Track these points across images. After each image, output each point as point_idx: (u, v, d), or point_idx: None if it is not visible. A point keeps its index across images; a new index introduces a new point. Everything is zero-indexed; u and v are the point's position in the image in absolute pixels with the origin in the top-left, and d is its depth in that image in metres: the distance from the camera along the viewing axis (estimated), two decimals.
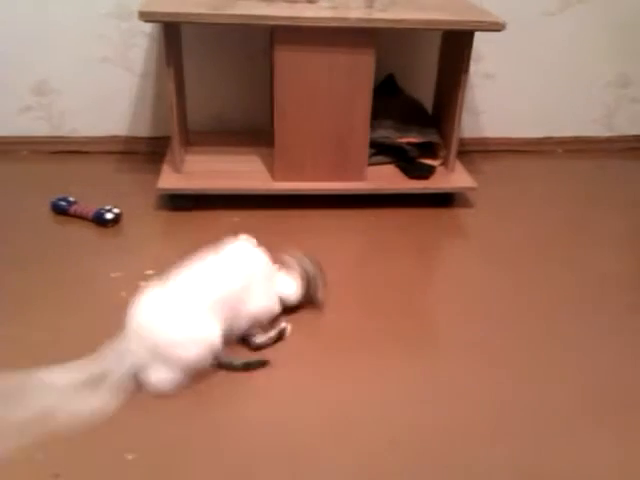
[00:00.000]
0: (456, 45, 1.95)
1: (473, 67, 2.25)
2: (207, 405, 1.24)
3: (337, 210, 1.95)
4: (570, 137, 2.53)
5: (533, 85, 2.41)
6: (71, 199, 1.87)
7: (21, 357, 1.33)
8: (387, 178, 2.01)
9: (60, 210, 1.86)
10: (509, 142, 2.49)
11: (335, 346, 1.42)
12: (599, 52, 2.39)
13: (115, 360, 1.25)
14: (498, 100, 2.41)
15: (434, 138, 2.08)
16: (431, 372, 1.36)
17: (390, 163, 2.08)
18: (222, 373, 1.31)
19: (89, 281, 1.59)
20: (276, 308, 1.45)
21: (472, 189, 2.02)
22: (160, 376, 1.25)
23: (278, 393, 1.28)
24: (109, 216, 1.81)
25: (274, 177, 1.94)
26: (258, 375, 1.32)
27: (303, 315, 1.50)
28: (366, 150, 1.93)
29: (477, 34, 1.84)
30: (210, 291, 1.31)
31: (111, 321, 1.43)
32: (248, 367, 1.33)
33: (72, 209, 1.85)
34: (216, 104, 2.28)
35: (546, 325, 1.53)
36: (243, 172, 1.98)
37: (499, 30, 1.79)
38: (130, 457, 1.12)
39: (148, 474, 1.10)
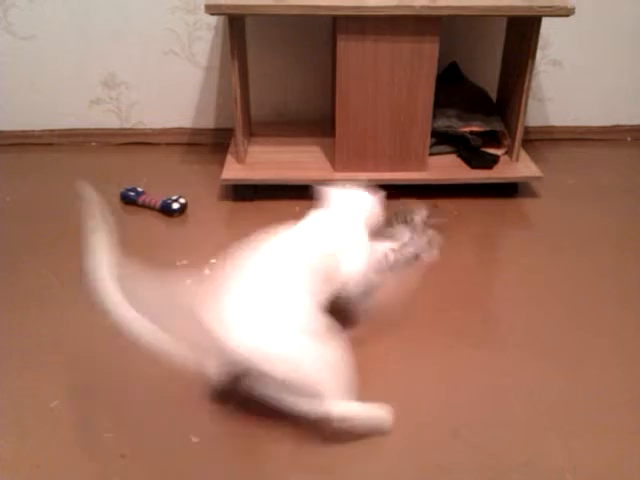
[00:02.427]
0: (522, 31, 1.91)
1: (540, 53, 2.19)
2: None
3: (398, 200, 1.94)
4: None
5: (601, 71, 2.33)
6: (139, 189, 1.93)
7: (92, 340, 1.39)
8: (449, 168, 1.99)
9: (129, 200, 1.92)
10: (576, 130, 2.42)
11: (393, 339, 1.41)
12: None
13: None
14: (565, 87, 2.34)
15: (498, 126, 2.04)
16: (493, 366, 1.34)
17: (452, 153, 2.06)
18: None
19: (156, 269, 1.63)
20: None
21: (537, 179, 1.97)
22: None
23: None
24: (175, 206, 1.86)
25: (335, 167, 1.94)
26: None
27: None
28: (428, 140, 1.92)
29: (544, 19, 1.79)
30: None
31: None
32: None
33: (140, 199, 1.91)
34: (278, 95, 2.30)
35: (615, 318, 1.48)
36: (305, 162, 2.00)
37: (567, 15, 1.74)
38: (195, 440, 1.15)
39: (212, 458, 1.12)
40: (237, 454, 1.13)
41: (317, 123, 2.27)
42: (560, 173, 2.14)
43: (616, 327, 1.46)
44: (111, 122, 2.32)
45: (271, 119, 2.33)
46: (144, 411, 1.21)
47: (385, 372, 1.32)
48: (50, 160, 2.23)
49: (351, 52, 1.76)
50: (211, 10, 1.70)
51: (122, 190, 1.94)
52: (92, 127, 2.32)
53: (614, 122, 2.43)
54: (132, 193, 1.92)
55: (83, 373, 1.30)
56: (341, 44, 1.75)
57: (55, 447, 1.14)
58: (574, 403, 1.24)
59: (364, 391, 1.26)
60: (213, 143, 2.33)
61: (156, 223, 1.84)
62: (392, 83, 1.81)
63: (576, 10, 1.73)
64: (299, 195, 1.94)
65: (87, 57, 2.21)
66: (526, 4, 1.73)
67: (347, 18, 1.71)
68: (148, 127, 2.33)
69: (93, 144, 2.34)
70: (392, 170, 1.94)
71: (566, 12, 1.73)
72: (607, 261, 1.70)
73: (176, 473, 1.09)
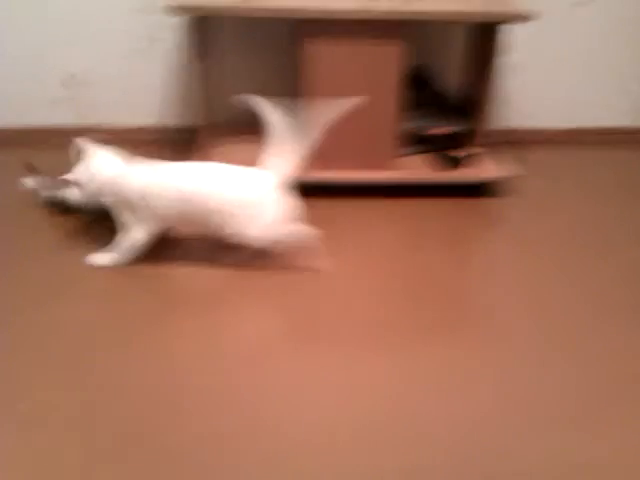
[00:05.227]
0: (485, 36, 1.93)
1: (503, 58, 2.22)
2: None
3: (366, 201, 1.95)
4: (601, 128, 2.49)
5: (564, 76, 2.38)
6: None
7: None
8: (415, 169, 2.01)
9: None
10: (539, 133, 2.47)
11: (369, 336, 1.43)
12: (631, 43, 2.34)
13: None
14: (528, 91, 2.38)
15: (463, 129, 2.06)
16: (466, 361, 1.37)
17: (419, 154, 2.08)
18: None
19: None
20: None
21: (501, 179, 2.01)
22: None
23: (309, 388, 1.30)
24: None
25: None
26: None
27: (335, 303, 1.52)
28: (394, 141, 1.93)
29: (507, 25, 1.82)
30: None
31: None
32: None
33: None
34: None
35: (578, 315, 1.52)
36: None
37: (525, 21, 1.77)
38: None
39: None
40: None
41: None
42: (524, 174, 2.18)
43: (579, 324, 1.49)
44: (70, 121, 2.28)
45: (235, 119, 2.31)
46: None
47: (357, 373, 1.32)
48: (8, 159, 2.17)
49: (316, 55, 1.76)
50: (174, 11, 1.68)
51: None
52: (51, 126, 2.28)
53: (576, 125, 2.48)
54: None
55: None
56: (306, 46, 1.75)
57: None
58: (544, 396, 1.27)
59: (334, 391, 1.27)
60: (176, 144, 2.30)
61: None
62: (357, 85, 1.82)
63: (538, 15, 1.76)
64: None
65: (45, 56, 2.17)
66: (486, 10, 1.75)
67: (312, 21, 1.71)
68: (109, 127, 2.29)
69: (52, 143, 2.28)
70: (358, 169, 1.94)
71: (524, 18, 1.76)
72: (569, 258, 1.74)
73: None
